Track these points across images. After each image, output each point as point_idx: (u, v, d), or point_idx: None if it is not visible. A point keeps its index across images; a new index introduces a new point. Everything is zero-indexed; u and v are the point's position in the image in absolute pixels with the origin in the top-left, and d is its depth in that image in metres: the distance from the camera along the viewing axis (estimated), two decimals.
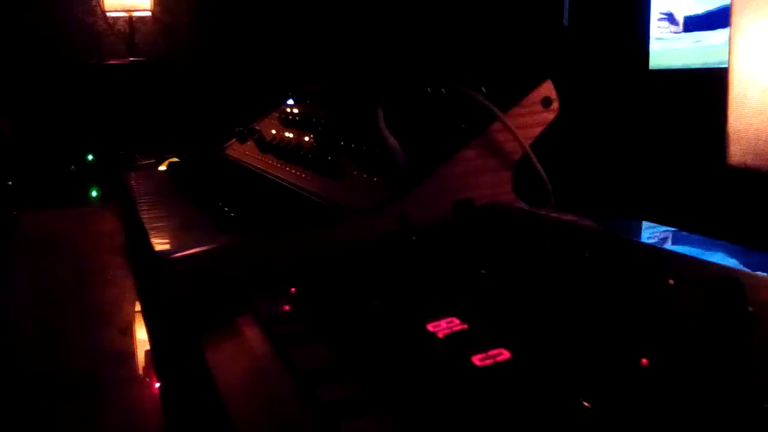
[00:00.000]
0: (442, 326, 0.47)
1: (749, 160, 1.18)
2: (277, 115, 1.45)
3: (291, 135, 1.26)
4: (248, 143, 1.38)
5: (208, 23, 3.78)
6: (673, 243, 0.97)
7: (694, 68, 2.28)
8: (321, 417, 0.40)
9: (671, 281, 0.47)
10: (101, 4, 3.54)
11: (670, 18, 2.39)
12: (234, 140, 1.45)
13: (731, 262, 0.75)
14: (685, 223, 0.91)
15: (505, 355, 0.42)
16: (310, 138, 1.15)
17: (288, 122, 1.34)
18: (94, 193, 2.09)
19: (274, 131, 1.36)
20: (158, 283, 0.66)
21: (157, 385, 0.67)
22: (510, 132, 0.81)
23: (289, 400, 0.44)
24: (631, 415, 0.35)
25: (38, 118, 3.51)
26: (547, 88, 0.84)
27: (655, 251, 0.60)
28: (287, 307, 0.57)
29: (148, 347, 0.76)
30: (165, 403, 0.63)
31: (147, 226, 0.83)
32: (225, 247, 0.69)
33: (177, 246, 0.70)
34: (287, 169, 1.10)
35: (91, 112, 3.34)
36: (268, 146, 1.27)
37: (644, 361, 0.39)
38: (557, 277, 0.53)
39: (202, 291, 0.65)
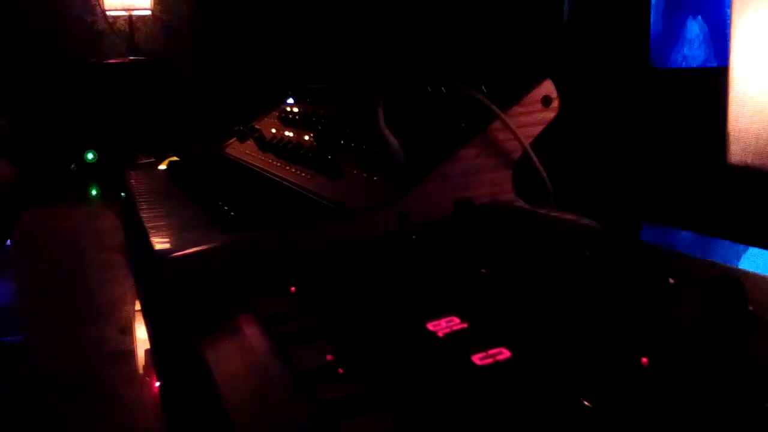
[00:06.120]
0: (442, 325, 0.47)
1: (749, 159, 1.18)
2: (277, 114, 1.45)
3: (291, 134, 1.26)
4: (248, 142, 1.38)
5: (208, 22, 3.78)
6: (673, 243, 0.97)
7: (693, 68, 2.27)
8: (321, 416, 0.40)
9: (671, 281, 0.47)
10: (101, 2, 3.53)
11: None
12: (234, 139, 1.45)
13: (731, 262, 0.75)
14: (685, 223, 0.91)
15: (505, 354, 0.42)
16: (310, 137, 1.15)
17: (288, 121, 1.34)
18: (94, 192, 2.09)
19: (274, 130, 1.36)
20: (158, 283, 0.66)
21: (157, 384, 0.67)
22: (510, 131, 0.81)
23: (288, 399, 0.44)
24: (631, 414, 0.35)
25: (38, 117, 3.51)
26: (548, 87, 0.84)
27: (655, 251, 0.60)
28: (287, 307, 0.57)
29: (148, 346, 0.76)
30: (165, 403, 0.63)
31: (147, 225, 0.83)
32: (225, 246, 0.69)
33: (177, 245, 0.70)
34: (287, 168, 1.10)
35: (91, 111, 3.34)
36: (268, 145, 1.27)
37: (644, 360, 0.39)
38: (557, 277, 0.53)
39: (201, 290, 0.65)
